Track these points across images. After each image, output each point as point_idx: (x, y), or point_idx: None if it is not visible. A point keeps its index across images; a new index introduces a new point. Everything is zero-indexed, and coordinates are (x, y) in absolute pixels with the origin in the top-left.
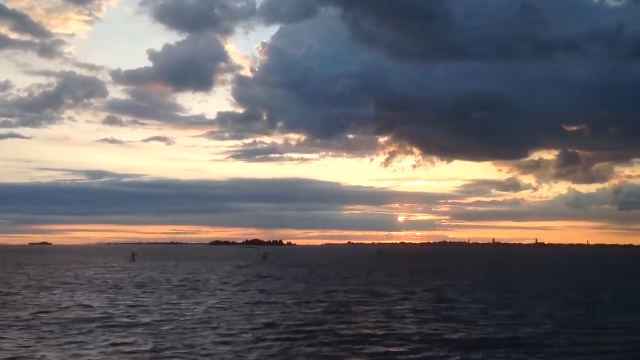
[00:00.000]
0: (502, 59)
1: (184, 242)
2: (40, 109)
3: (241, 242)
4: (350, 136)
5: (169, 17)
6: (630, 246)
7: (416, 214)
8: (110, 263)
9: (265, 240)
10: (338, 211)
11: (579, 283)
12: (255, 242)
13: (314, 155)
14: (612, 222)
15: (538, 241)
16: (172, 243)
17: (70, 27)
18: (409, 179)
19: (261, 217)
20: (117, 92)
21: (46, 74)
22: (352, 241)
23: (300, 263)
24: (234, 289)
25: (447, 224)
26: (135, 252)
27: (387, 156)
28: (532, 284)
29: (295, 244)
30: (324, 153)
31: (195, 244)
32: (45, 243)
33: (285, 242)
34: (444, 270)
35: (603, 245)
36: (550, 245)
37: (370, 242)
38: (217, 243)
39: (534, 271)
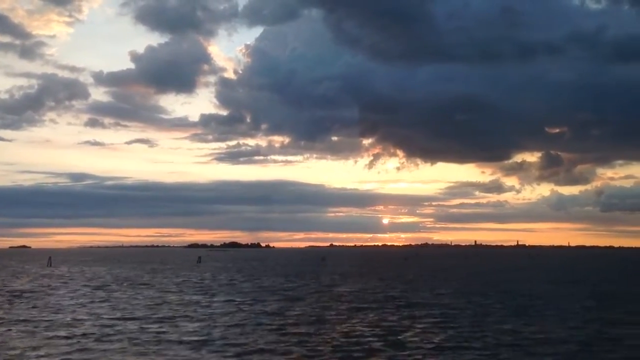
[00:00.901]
0: (484, 61)
1: (167, 245)
2: (21, 111)
3: (219, 244)
4: (334, 138)
5: (151, 18)
6: (610, 247)
7: (400, 216)
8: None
9: (243, 243)
10: (322, 213)
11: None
12: (234, 245)
13: (298, 157)
14: (594, 223)
15: (519, 243)
16: (152, 246)
17: (51, 28)
18: (392, 181)
19: (245, 219)
20: (98, 94)
21: (27, 75)
22: (334, 243)
23: (229, 268)
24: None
25: (432, 225)
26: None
27: (371, 158)
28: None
29: (273, 247)
30: (308, 155)
31: (175, 246)
32: (24, 246)
33: (263, 244)
34: (351, 274)
35: (583, 247)
36: (532, 247)
37: (353, 244)
38: (194, 246)
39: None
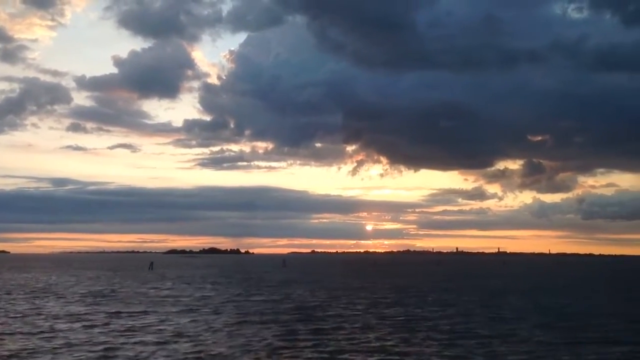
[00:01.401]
0: (468, 69)
1: (149, 251)
2: (2, 115)
3: (198, 250)
4: (318, 144)
5: (134, 23)
6: (590, 255)
7: (384, 223)
8: None
9: (223, 249)
10: (306, 219)
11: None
12: (213, 251)
13: (282, 164)
14: (575, 231)
15: (500, 250)
16: (133, 252)
17: (33, 32)
18: (376, 188)
19: (228, 225)
20: (81, 99)
21: (9, 79)
22: (315, 249)
23: (170, 275)
24: None
25: (415, 232)
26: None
27: (355, 164)
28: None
29: (253, 253)
30: (292, 161)
31: (155, 252)
32: (3, 252)
33: (243, 250)
34: (290, 282)
35: (563, 254)
36: (513, 254)
37: (335, 250)
38: (173, 252)
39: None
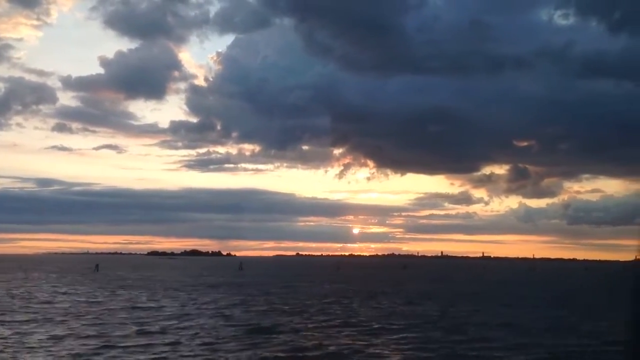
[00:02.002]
0: (454, 73)
1: (134, 253)
2: None
3: (179, 252)
4: (305, 147)
5: (120, 23)
6: (574, 260)
7: (370, 226)
8: None
9: (205, 251)
10: (292, 222)
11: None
12: (195, 253)
13: (269, 166)
14: (561, 236)
15: (485, 254)
16: (116, 253)
17: (19, 31)
18: (363, 191)
19: (215, 227)
20: (67, 99)
21: None
22: (300, 252)
23: (111, 279)
24: None
25: (401, 236)
26: None
27: (342, 168)
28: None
29: (235, 255)
30: (279, 164)
31: (137, 254)
32: None
33: (225, 252)
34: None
35: (547, 259)
36: (498, 259)
37: (319, 253)
38: (154, 254)
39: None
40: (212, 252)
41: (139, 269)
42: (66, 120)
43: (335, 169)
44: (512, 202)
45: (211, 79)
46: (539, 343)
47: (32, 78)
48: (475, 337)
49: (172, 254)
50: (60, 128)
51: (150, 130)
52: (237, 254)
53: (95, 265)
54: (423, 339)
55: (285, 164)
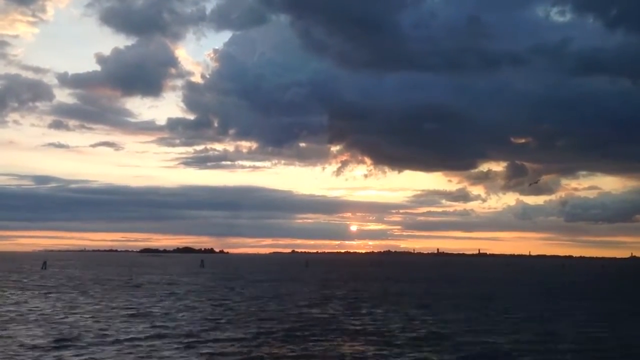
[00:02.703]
0: (451, 70)
1: (129, 250)
2: None
3: (172, 249)
4: (302, 144)
5: (116, 20)
6: (569, 257)
7: (368, 223)
8: None
9: (197, 248)
10: (290, 219)
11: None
12: (187, 250)
13: (266, 163)
14: (558, 233)
15: (481, 251)
16: (111, 250)
17: (15, 28)
18: (360, 188)
19: (212, 224)
20: (63, 96)
21: None
22: (295, 250)
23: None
24: None
25: (399, 233)
26: None
27: (339, 165)
28: None
29: (228, 252)
30: (276, 161)
31: (131, 251)
32: None
33: (217, 250)
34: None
35: (543, 256)
36: (494, 256)
37: (315, 250)
38: (147, 251)
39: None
40: (204, 249)
41: (96, 267)
42: (63, 117)
43: (333, 166)
44: (510, 199)
45: (208, 76)
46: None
47: (29, 75)
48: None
49: (165, 251)
50: (57, 125)
51: (147, 127)
52: (235, 251)
53: (44, 262)
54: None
55: (282, 161)
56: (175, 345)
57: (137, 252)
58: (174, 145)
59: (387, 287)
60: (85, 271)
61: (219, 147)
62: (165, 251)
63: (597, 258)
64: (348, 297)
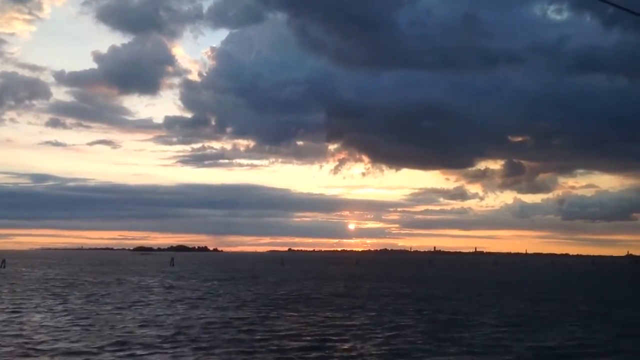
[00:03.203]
0: (448, 68)
1: (126, 248)
2: None
3: (166, 248)
4: (300, 142)
5: (113, 18)
6: (566, 255)
7: (366, 222)
8: None
9: (190, 247)
10: (288, 218)
11: None
12: (181, 248)
13: (264, 162)
14: (556, 231)
15: (478, 249)
16: (107, 249)
17: (12, 26)
18: (358, 187)
19: (210, 223)
20: (60, 94)
21: None
22: (292, 248)
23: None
24: None
25: (397, 231)
26: None
27: (337, 163)
28: None
29: (222, 250)
30: (274, 159)
31: (126, 249)
32: None
33: (211, 248)
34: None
35: (540, 254)
36: (491, 254)
37: (312, 249)
38: (140, 249)
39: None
40: (198, 247)
41: (68, 266)
42: (60, 115)
43: (330, 165)
44: (507, 197)
45: (205, 74)
46: None
47: (26, 73)
48: None
49: (159, 249)
50: (54, 123)
51: (144, 125)
52: (233, 249)
53: (2, 260)
54: None
55: (280, 160)
56: None
57: (130, 250)
58: (171, 143)
59: (337, 288)
60: (49, 270)
61: (216, 145)
62: (159, 249)
63: (593, 256)
64: (279, 299)
